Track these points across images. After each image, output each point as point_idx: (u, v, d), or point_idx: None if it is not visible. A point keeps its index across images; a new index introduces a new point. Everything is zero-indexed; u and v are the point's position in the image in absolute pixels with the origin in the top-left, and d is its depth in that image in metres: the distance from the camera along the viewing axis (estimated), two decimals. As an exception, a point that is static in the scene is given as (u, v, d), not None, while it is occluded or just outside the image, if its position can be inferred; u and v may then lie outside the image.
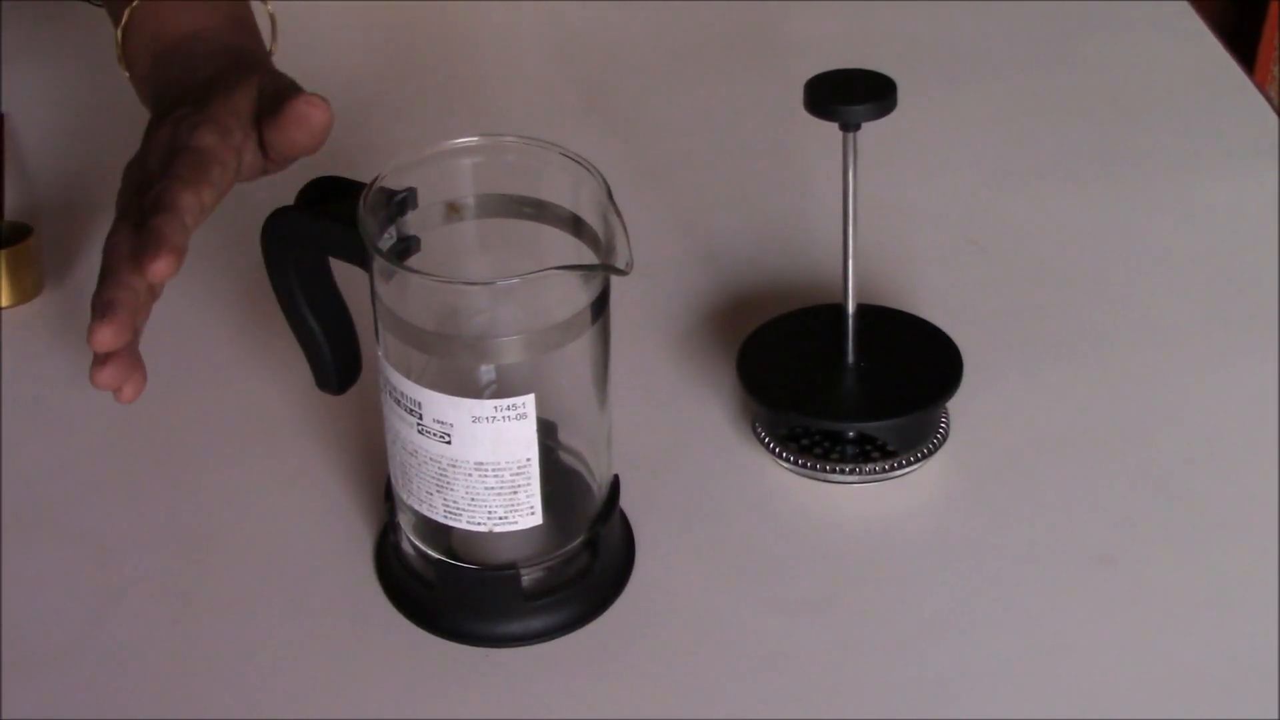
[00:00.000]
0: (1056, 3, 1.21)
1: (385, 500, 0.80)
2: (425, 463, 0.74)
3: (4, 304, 0.96)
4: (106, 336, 0.75)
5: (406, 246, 0.75)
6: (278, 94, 0.82)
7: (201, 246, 0.98)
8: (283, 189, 0.80)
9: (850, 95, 0.80)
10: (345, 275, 0.79)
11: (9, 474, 0.86)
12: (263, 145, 0.83)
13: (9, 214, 1.02)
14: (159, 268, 0.74)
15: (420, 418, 0.73)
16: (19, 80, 1.15)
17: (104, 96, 1.13)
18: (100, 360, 0.77)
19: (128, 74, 0.91)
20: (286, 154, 0.83)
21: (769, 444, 0.85)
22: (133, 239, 0.77)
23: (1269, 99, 1.12)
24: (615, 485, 0.80)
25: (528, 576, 0.77)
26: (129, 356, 0.78)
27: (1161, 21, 1.20)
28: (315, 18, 0.84)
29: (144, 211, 0.77)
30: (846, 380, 0.86)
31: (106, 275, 0.77)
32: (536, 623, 0.78)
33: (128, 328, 0.76)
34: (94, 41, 1.19)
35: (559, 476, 0.78)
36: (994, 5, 1.21)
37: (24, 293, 0.96)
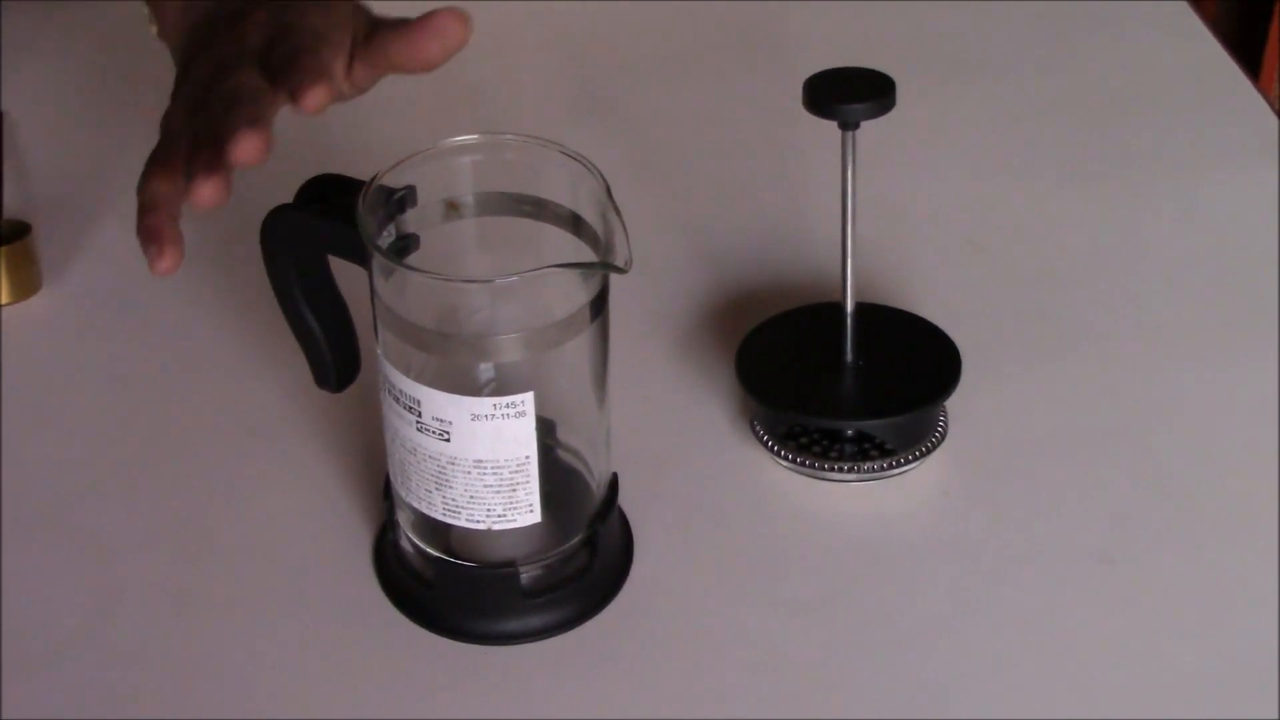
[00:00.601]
0: (1056, 3, 1.21)
1: (384, 498, 0.80)
2: (424, 460, 0.74)
3: (3, 301, 0.96)
4: (254, 146, 0.70)
5: (405, 244, 0.75)
6: (389, 19, 0.77)
7: (200, 244, 0.98)
8: (281, 187, 0.79)
9: (849, 94, 0.80)
10: (344, 273, 0.79)
11: (7, 472, 0.86)
12: (354, 64, 0.77)
13: (7, 211, 1.01)
14: (316, 96, 0.70)
15: (419, 415, 0.73)
16: (18, 78, 1.15)
17: (103, 93, 1.14)
18: (157, 253, 0.73)
19: None
20: (402, 67, 0.77)
21: (768, 442, 0.85)
22: (262, 84, 0.73)
23: (1269, 100, 1.12)
24: (614, 483, 0.80)
25: (526, 574, 0.77)
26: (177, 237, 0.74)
27: (1161, 22, 1.20)
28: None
29: (282, 59, 0.73)
30: (845, 379, 0.86)
31: (243, 101, 0.72)
32: (535, 620, 0.78)
33: (270, 142, 0.71)
34: (93, 39, 1.19)
35: (558, 474, 0.78)
36: (993, 5, 1.21)
37: (22, 290, 0.96)
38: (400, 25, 0.76)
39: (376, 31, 0.77)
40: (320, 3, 0.78)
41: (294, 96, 0.71)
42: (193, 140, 0.74)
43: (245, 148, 0.70)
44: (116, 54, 1.17)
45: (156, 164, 0.76)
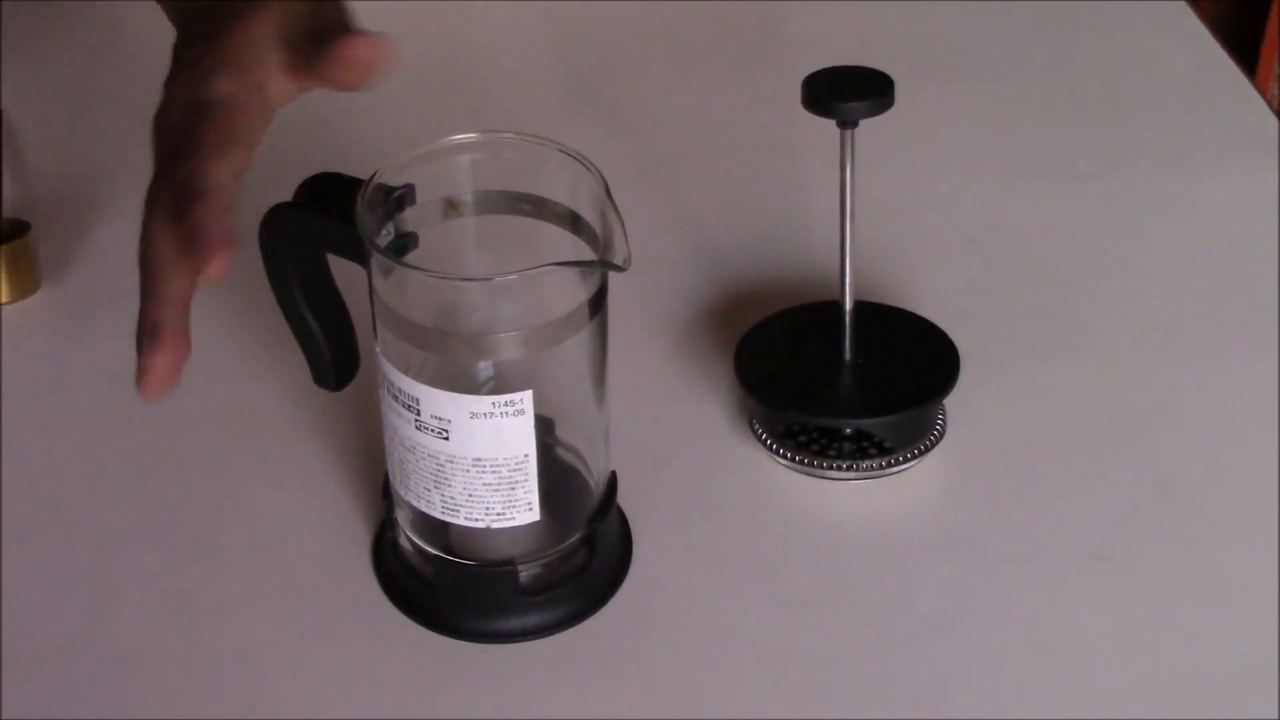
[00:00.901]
0: (1055, 2, 1.21)
1: (383, 496, 0.80)
2: (423, 459, 0.74)
3: (2, 300, 0.96)
4: (163, 365, 0.70)
5: (404, 243, 0.75)
6: (325, 24, 0.74)
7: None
8: (280, 185, 0.80)
9: (848, 92, 0.80)
10: (343, 272, 0.79)
11: (7, 471, 0.86)
12: (301, 66, 0.74)
13: (7, 210, 1.01)
14: (213, 271, 0.68)
15: (418, 414, 0.73)
16: (17, 76, 1.15)
17: (103, 92, 1.14)
18: (149, 369, 0.71)
19: None
20: (333, 88, 0.74)
21: (766, 441, 0.85)
22: (172, 237, 0.70)
23: (1267, 99, 1.12)
24: (613, 482, 0.80)
25: (525, 572, 0.77)
26: (177, 355, 0.72)
27: (1159, 21, 1.20)
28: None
29: (176, 199, 0.70)
30: (844, 377, 0.86)
31: (152, 287, 0.70)
32: (534, 619, 0.78)
33: (183, 348, 0.71)
34: (93, 38, 1.19)
35: (557, 473, 0.78)
36: (992, 4, 1.21)
37: (22, 289, 0.96)
38: (315, 49, 0.73)
39: (302, 49, 0.73)
40: (243, 26, 0.75)
41: (194, 272, 0.69)
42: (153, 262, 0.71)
43: (212, 272, 0.68)
44: (117, 52, 1.17)
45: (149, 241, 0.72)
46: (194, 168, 0.71)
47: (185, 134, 0.73)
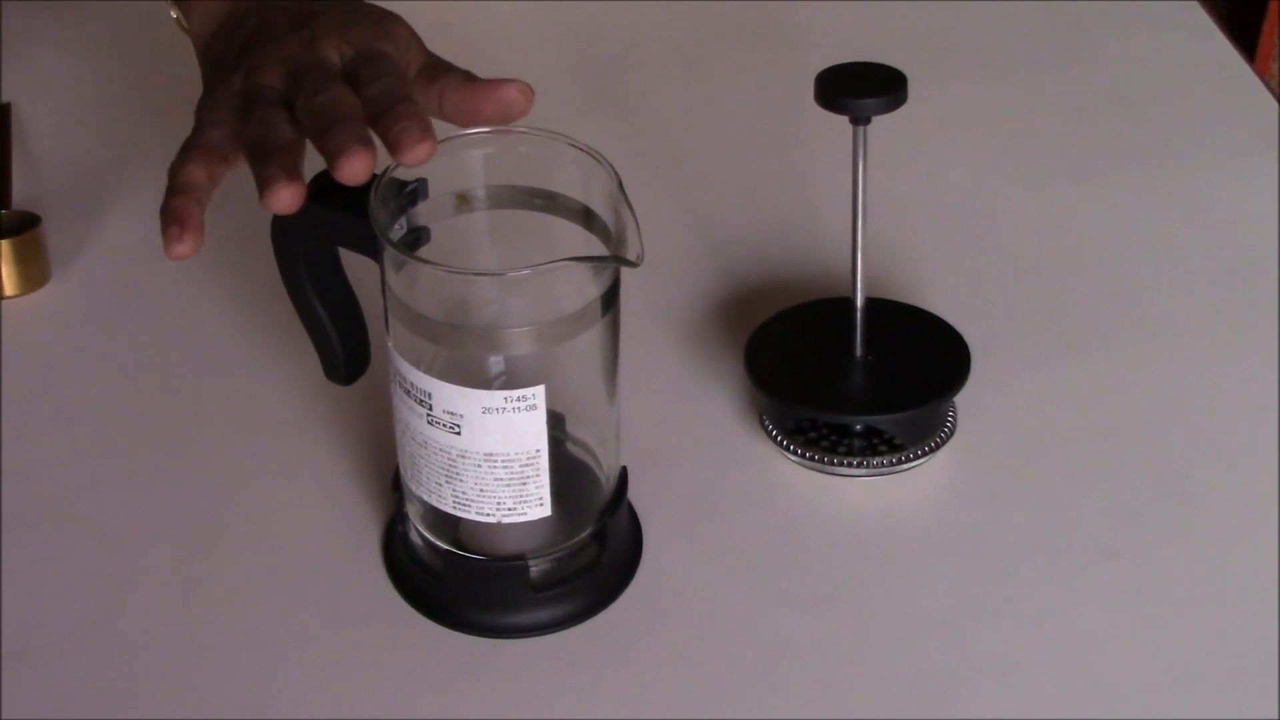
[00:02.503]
0: (1066, 0, 1.21)
1: (393, 491, 0.80)
2: (434, 453, 0.74)
3: (11, 293, 0.96)
4: (291, 196, 0.71)
5: (417, 237, 0.75)
6: (447, 64, 0.80)
7: (210, 236, 0.98)
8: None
9: (861, 89, 0.80)
10: (355, 266, 0.79)
11: (15, 464, 0.86)
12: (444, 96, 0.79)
13: (17, 203, 1.02)
14: (422, 151, 0.70)
15: (430, 408, 0.73)
16: (26, 69, 1.15)
17: (112, 86, 1.14)
18: (177, 235, 0.73)
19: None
20: (459, 121, 0.79)
21: (776, 437, 0.85)
22: (354, 104, 0.73)
23: (1274, 93, 1.12)
24: (623, 477, 0.80)
25: (536, 568, 0.77)
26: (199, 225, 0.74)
27: (1170, 18, 1.20)
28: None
29: (381, 99, 0.73)
30: (854, 374, 0.86)
31: (343, 119, 0.72)
32: (544, 614, 0.78)
33: (200, 233, 0.73)
34: (101, 31, 1.19)
35: (567, 468, 0.78)
36: (1004, 2, 1.21)
37: (31, 282, 0.96)
38: (463, 82, 0.78)
39: (438, 78, 0.78)
40: (380, 23, 0.80)
41: (397, 148, 0.71)
42: (261, 137, 0.74)
43: (358, 165, 0.70)
44: (127, 46, 1.17)
45: (195, 149, 0.76)
46: (396, 84, 0.75)
47: (366, 64, 0.76)
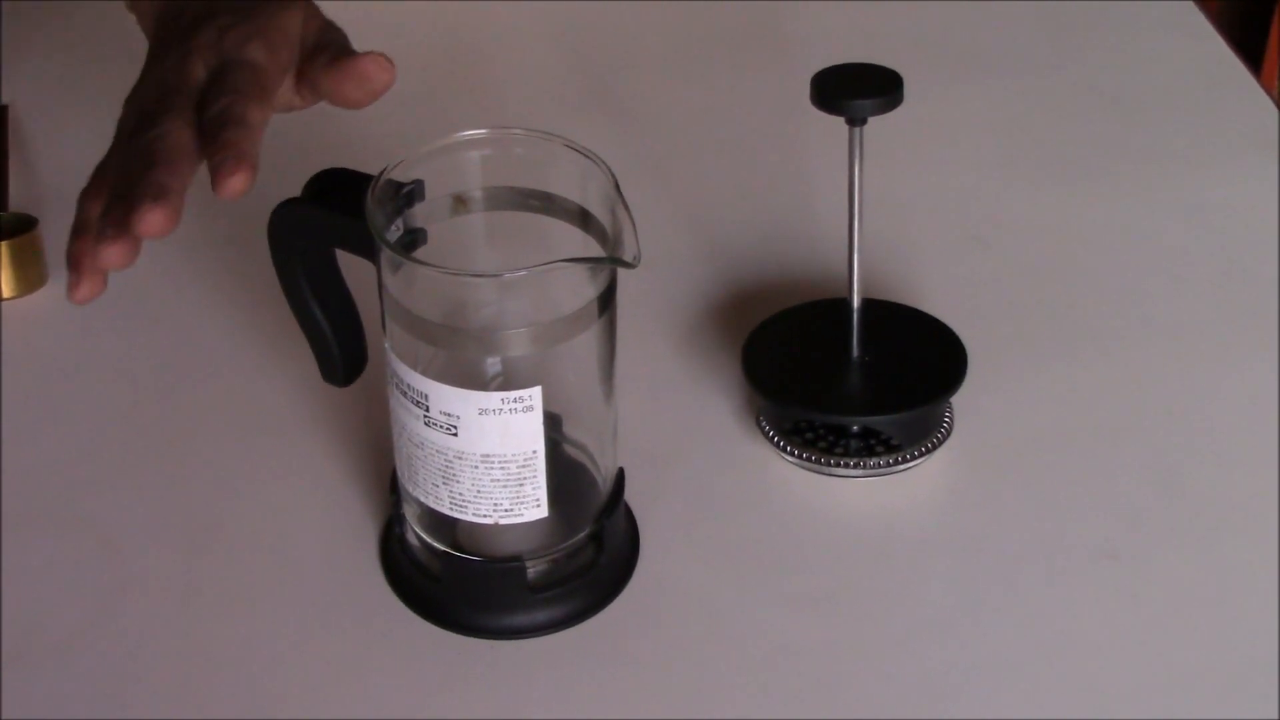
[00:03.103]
0: (1062, 1, 1.21)
1: (390, 492, 0.80)
2: (432, 455, 0.74)
3: (9, 295, 0.96)
4: (158, 221, 0.69)
5: (414, 239, 0.75)
6: (333, 40, 0.78)
7: (206, 237, 0.99)
8: (289, 181, 0.80)
9: (857, 90, 0.80)
10: (351, 267, 0.79)
11: (13, 466, 0.86)
12: (300, 81, 0.79)
13: (14, 205, 1.02)
14: (235, 184, 0.69)
15: (427, 410, 0.73)
16: (23, 71, 1.15)
17: (110, 87, 1.13)
18: (75, 280, 0.72)
19: None
20: (333, 102, 0.78)
21: (773, 437, 0.85)
22: (190, 137, 0.73)
23: (1274, 98, 1.12)
24: (620, 478, 0.80)
25: (533, 569, 0.77)
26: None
27: (1167, 20, 1.20)
28: (325, 12, 0.85)
29: (210, 124, 0.72)
30: (851, 374, 0.86)
31: (167, 160, 0.71)
32: (541, 615, 0.78)
33: (176, 216, 0.71)
34: (99, 33, 1.19)
35: (564, 469, 0.78)
36: (1000, 3, 1.21)
37: (29, 284, 0.97)
38: (330, 60, 0.76)
39: (310, 60, 0.77)
40: (265, 24, 0.78)
41: (214, 180, 0.70)
42: (114, 182, 0.73)
43: (150, 221, 0.69)
44: (126, 48, 1.16)
45: (96, 180, 0.75)
46: (231, 103, 0.73)
47: (217, 79, 0.75)
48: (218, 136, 0.71)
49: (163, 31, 0.81)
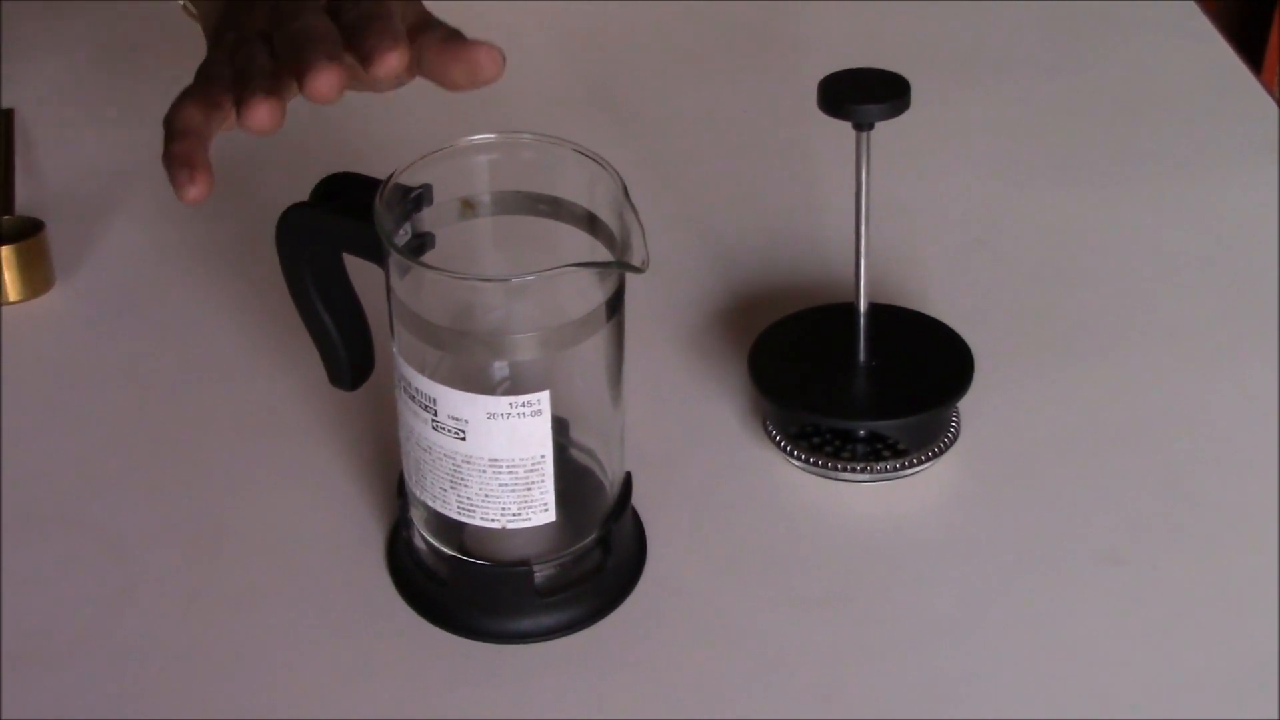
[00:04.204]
0: (1067, 4, 1.21)
1: (398, 496, 0.80)
2: (439, 459, 0.74)
3: (15, 298, 0.96)
4: (329, 83, 0.69)
5: (421, 243, 0.75)
6: (440, 23, 0.77)
7: (214, 242, 0.99)
8: (297, 184, 0.80)
9: (864, 95, 0.80)
10: (359, 271, 0.79)
11: (20, 469, 0.86)
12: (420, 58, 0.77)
13: (21, 208, 1.02)
14: (392, 60, 0.70)
15: (435, 414, 0.73)
16: (29, 75, 1.15)
17: (114, 90, 1.14)
18: (187, 178, 0.71)
19: None
20: (434, 80, 0.77)
21: (780, 442, 0.85)
22: (332, 28, 0.72)
23: (1275, 97, 1.12)
24: (627, 482, 0.80)
25: (540, 573, 0.77)
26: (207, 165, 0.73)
27: (1170, 23, 1.20)
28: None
29: (356, 18, 0.72)
30: (858, 379, 0.86)
31: (317, 39, 0.71)
32: (548, 619, 0.78)
33: (209, 172, 0.71)
34: (104, 36, 1.19)
35: (571, 474, 0.78)
36: (1005, 6, 1.21)
37: (35, 288, 0.96)
38: (442, 40, 0.75)
39: (421, 34, 0.76)
40: None
41: (367, 59, 0.70)
42: (243, 66, 0.73)
43: (325, 80, 0.69)
44: (131, 51, 1.17)
45: (190, 95, 0.74)
46: (372, 4, 0.73)
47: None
48: (369, 25, 0.71)
49: (237, 12, 0.80)
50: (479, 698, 0.76)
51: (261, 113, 0.70)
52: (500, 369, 0.75)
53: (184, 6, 0.89)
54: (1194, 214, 1.03)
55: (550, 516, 0.75)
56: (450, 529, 0.77)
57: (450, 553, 0.77)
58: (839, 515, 0.84)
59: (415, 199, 0.75)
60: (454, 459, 0.74)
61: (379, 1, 0.74)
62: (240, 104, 0.70)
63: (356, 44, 0.71)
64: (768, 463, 0.86)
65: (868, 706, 0.75)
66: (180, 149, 0.72)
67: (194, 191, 0.71)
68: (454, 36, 0.75)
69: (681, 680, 0.76)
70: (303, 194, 0.78)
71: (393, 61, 0.70)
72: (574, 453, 0.79)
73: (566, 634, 0.78)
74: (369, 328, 0.81)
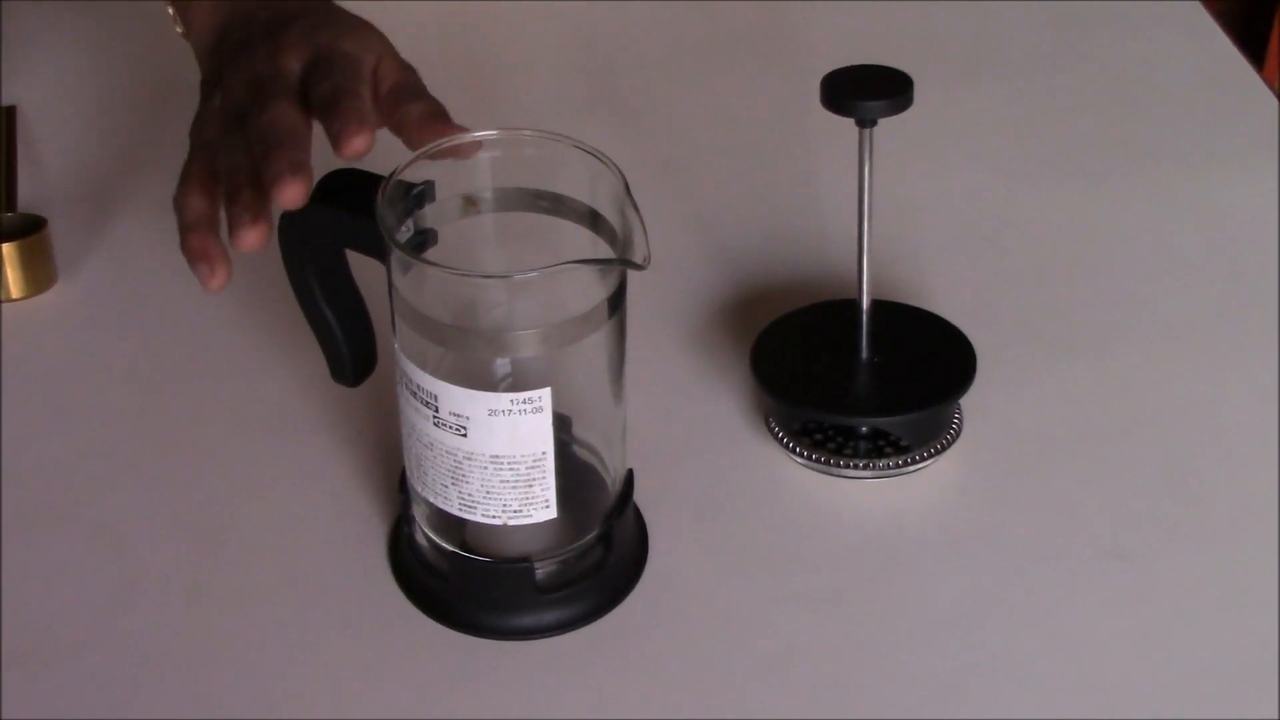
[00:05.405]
0: (1070, 1, 1.21)
1: (399, 492, 0.80)
2: (441, 455, 0.74)
3: (18, 295, 0.96)
4: (300, 193, 0.74)
5: (424, 239, 0.75)
6: (416, 84, 0.81)
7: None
8: (299, 181, 0.80)
9: (867, 91, 0.80)
10: (361, 268, 0.79)
11: (22, 466, 0.87)
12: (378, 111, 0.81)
13: (23, 205, 1.02)
14: (359, 143, 0.74)
15: (437, 410, 0.73)
16: (31, 72, 1.15)
17: (118, 88, 1.14)
18: (208, 272, 0.77)
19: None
20: (405, 142, 0.80)
21: (782, 438, 0.85)
22: (300, 118, 0.77)
23: (1277, 94, 1.12)
24: (629, 479, 0.80)
25: (541, 570, 0.77)
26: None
27: (1173, 20, 1.20)
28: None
29: (324, 100, 0.77)
30: (860, 375, 0.86)
31: (285, 141, 0.75)
32: (550, 616, 0.78)
33: (227, 261, 0.77)
34: (105, 32, 1.19)
35: (573, 470, 0.78)
36: (1008, 3, 1.21)
37: (38, 284, 0.97)
38: (425, 117, 0.78)
39: (404, 103, 0.79)
40: (351, 28, 0.81)
41: (336, 143, 0.74)
42: (229, 171, 0.76)
43: (290, 193, 0.73)
44: (133, 48, 1.17)
45: (192, 180, 0.79)
46: (342, 81, 0.78)
47: (320, 65, 0.79)
48: (337, 106, 0.75)
49: (235, 33, 0.83)
50: (480, 694, 0.76)
51: (250, 240, 0.74)
52: (502, 365, 0.75)
53: (172, 16, 0.91)
54: (1197, 211, 1.03)
55: (552, 513, 0.75)
56: (452, 525, 0.77)
57: (452, 549, 0.77)
58: (841, 512, 0.84)
59: (417, 195, 0.75)
60: (455, 455, 0.74)
61: (350, 76, 0.78)
62: (230, 225, 0.75)
63: (325, 123, 0.75)
64: (770, 459, 0.86)
65: (870, 703, 0.75)
66: (195, 244, 0.77)
67: (216, 283, 0.77)
68: (438, 116, 0.79)
69: (683, 677, 0.76)
70: (305, 190, 0.78)
71: (359, 146, 0.74)
72: (575, 449, 0.79)
73: (568, 630, 0.78)
74: (371, 324, 0.81)
